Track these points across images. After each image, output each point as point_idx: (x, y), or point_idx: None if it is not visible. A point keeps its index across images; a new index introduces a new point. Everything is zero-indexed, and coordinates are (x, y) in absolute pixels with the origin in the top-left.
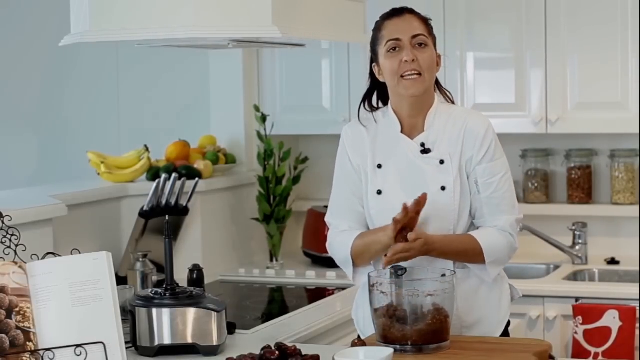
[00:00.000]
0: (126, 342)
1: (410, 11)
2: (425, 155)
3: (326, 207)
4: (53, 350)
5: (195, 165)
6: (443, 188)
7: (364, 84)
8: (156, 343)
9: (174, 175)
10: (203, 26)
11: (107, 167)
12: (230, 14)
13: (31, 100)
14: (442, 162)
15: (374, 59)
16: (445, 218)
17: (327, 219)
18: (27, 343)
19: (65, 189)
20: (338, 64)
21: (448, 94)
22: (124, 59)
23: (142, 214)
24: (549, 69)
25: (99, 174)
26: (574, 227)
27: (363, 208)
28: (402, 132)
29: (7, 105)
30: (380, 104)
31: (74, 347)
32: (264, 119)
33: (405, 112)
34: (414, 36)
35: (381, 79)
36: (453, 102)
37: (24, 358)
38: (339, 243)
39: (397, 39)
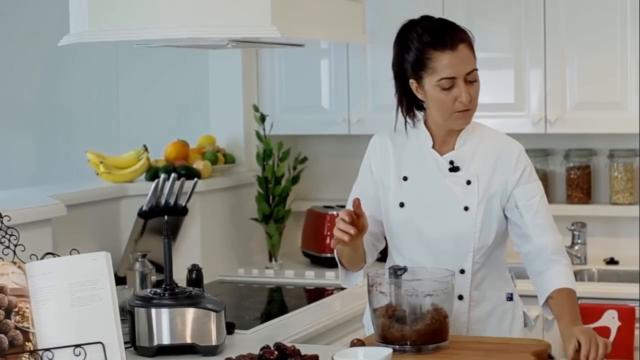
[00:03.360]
0: (125, 342)
1: (462, 39)
2: (453, 173)
3: (325, 207)
4: (52, 350)
5: (194, 165)
6: (466, 208)
7: (363, 84)
8: (155, 343)
9: (173, 175)
10: (202, 26)
11: (106, 167)
12: (229, 14)
13: (30, 100)
14: (468, 182)
15: (414, 77)
16: (465, 239)
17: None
18: (26, 343)
19: (64, 189)
20: (337, 64)
21: None
22: (123, 59)
23: (141, 214)
24: (548, 68)
25: (98, 174)
26: (573, 227)
27: (369, 214)
28: (432, 147)
29: (6, 105)
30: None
31: (73, 347)
32: (263, 119)
33: (442, 132)
34: (469, 73)
35: (420, 97)
36: None
37: (23, 358)
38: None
39: (453, 78)
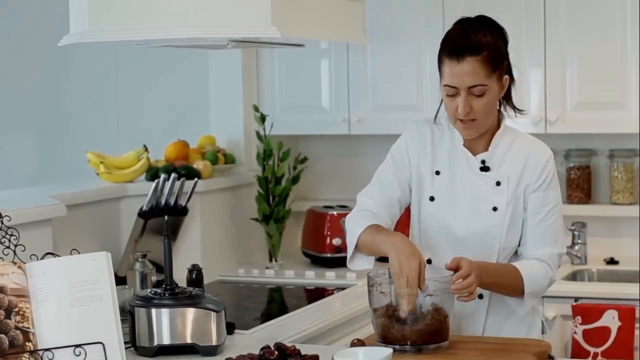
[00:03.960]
0: (125, 342)
1: (472, 52)
2: (483, 173)
3: (325, 207)
4: (52, 350)
5: (195, 166)
6: (495, 209)
7: (363, 84)
8: (155, 343)
9: (173, 175)
10: (202, 26)
11: (106, 167)
12: (229, 14)
13: (30, 100)
14: (498, 183)
15: (439, 73)
16: (491, 239)
17: (359, 193)
18: (27, 343)
19: (65, 189)
20: (337, 64)
21: (514, 110)
22: (123, 59)
23: (141, 214)
24: (548, 68)
25: (98, 174)
26: (573, 227)
27: (398, 197)
28: (463, 145)
29: (6, 105)
30: None
31: (73, 347)
32: (263, 119)
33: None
34: (471, 87)
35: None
36: (520, 111)
37: (23, 358)
38: (354, 224)
39: (454, 87)
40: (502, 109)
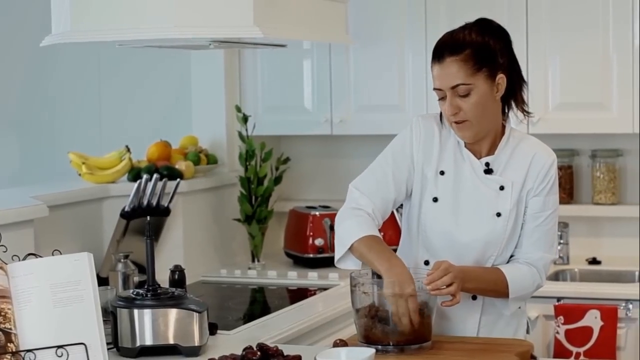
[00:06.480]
0: (107, 343)
1: (452, 51)
2: (487, 176)
3: (308, 207)
4: (34, 351)
5: (177, 166)
6: (498, 214)
7: (345, 85)
8: (138, 344)
9: (155, 175)
10: (184, 27)
11: (89, 167)
12: (211, 14)
13: (12, 101)
14: (502, 188)
15: None
16: (492, 244)
17: (353, 184)
18: (8, 344)
19: (47, 190)
20: (319, 64)
21: (524, 113)
22: (105, 59)
23: (124, 214)
24: (530, 69)
25: (80, 174)
26: None
27: (393, 198)
28: (465, 147)
29: None
30: None
31: (55, 348)
32: (245, 119)
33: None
34: (454, 87)
35: None
36: (528, 114)
37: (5, 359)
38: (349, 224)
39: (440, 89)
40: (508, 110)
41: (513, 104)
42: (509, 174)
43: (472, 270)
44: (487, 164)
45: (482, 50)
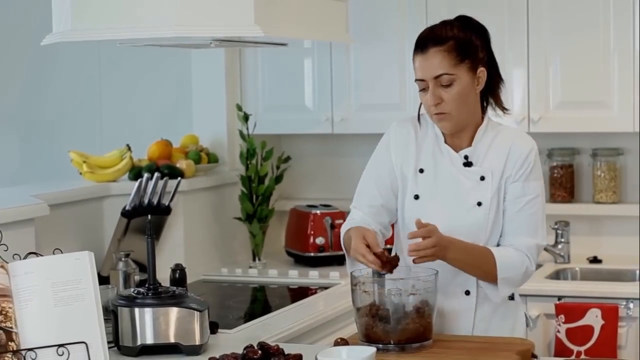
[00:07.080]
0: (108, 342)
1: (436, 42)
2: (467, 168)
3: (309, 206)
4: (35, 350)
5: (178, 165)
6: (479, 204)
7: (346, 84)
8: (138, 343)
9: (156, 174)
10: (185, 25)
11: (89, 166)
12: (212, 13)
13: (13, 100)
14: (482, 178)
15: None
16: (477, 234)
17: (350, 206)
18: (9, 343)
19: (47, 189)
20: (320, 63)
21: (503, 110)
22: (106, 58)
23: (125, 213)
24: (531, 68)
25: (81, 173)
26: (556, 226)
27: (381, 204)
28: (445, 142)
29: None
30: None
31: (56, 347)
32: (246, 118)
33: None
34: (437, 77)
35: None
36: (505, 110)
37: (6, 358)
38: (343, 231)
39: (422, 80)
40: (486, 105)
41: (491, 100)
42: (488, 164)
43: (458, 241)
44: (465, 157)
45: (465, 43)
